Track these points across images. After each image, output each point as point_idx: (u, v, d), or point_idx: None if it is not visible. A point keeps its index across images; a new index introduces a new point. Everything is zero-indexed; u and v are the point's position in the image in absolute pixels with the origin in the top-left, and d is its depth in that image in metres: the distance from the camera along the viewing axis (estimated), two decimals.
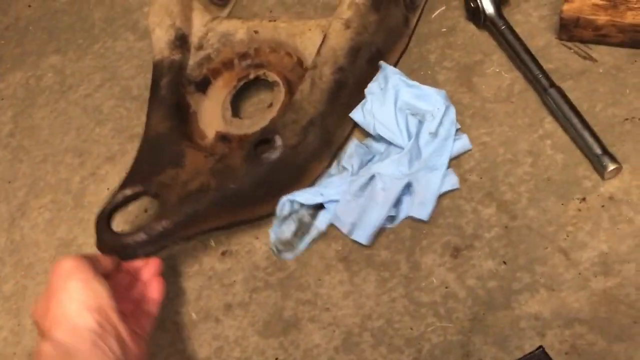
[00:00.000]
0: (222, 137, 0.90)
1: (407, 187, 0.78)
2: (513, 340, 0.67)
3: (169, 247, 0.78)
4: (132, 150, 1.00)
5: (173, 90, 0.90)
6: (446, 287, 0.73)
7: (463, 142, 0.80)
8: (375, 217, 0.76)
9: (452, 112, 0.81)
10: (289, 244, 0.80)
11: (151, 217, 0.77)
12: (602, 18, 0.79)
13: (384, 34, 0.88)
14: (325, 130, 0.82)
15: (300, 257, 0.81)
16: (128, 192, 0.80)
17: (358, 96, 0.84)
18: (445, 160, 0.79)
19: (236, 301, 0.80)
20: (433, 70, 0.90)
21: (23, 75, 1.21)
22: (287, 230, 0.81)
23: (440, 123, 0.80)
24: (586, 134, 0.74)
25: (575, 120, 0.76)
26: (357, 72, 0.84)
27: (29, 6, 1.35)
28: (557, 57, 0.84)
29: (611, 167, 0.71)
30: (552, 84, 0.79)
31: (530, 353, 0.63)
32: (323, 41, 0.84)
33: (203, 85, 0.95)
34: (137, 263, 0.75)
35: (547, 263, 0.71)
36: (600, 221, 0.71)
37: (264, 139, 0.79)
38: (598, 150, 0.73)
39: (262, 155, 0.77)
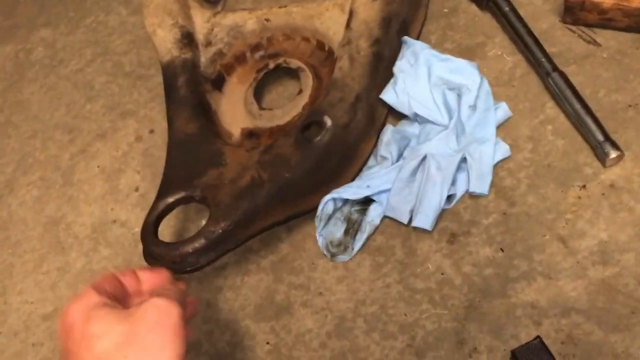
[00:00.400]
0: (250, 134, 0.86)
1: (460, 164, 0.75)
2: (509, 328, 0.66)
3: (230, 251, 0.73)
4: (123, 128, 0.98)
5: (193, 90, 0.85)
6: (442, 274, 0.72)
7: (504, 111, 0.78)
8: (436, 199, 0.73)
9: (486, 83, 0.79)
10: (341, 245, 0.76)
11: (206, 221, 0.71)
12: (608, 1, 0.77)
13: (408, 4, 0.85)
14: (371, 106, 0.80)
15: (294, 241, 0.79)
16: (170, 199, 0.75)
17: (391, 70, 0.82)
18: (492, 130, 0.76)
19: (227, 284, 0.79)
20: None
21: (12, 48, 1.18)
22: (337, 230, 0.77)
23: (477, 95, 0.77)
24: (588, 120, 0.73)
25: (578, 106, 0.74)
26: (391, 43, 0.82)
27: None
28: (560, 40, 0.82)
29: (613, 154, 0.70)
30: (555, 68, 0.77)
31: (527, 343, 0.62)
32: (351, 16, 0.81)
33: (218, 83, 0.91)
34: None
35: (545, 251, 0.69)
36: (600, 209, 0.70)
37: (310, 123, 0.75)
38: (600, 137, 0.71)
39: (314, 139, 0.74)
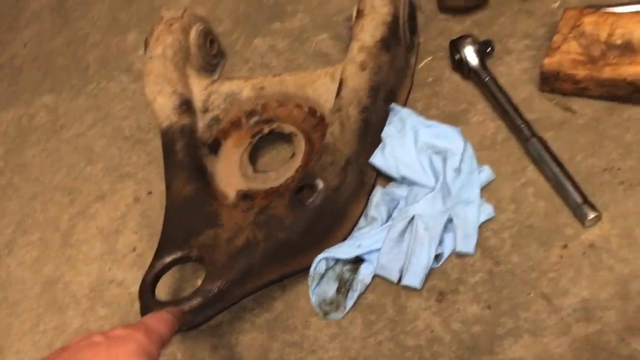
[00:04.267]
0: (244, 195, 0.89)
1: (447, 224, 0.78)
2: None
3: (226, 309, 0.76)
4: (122, 190, 1.01)
5: (190, 154, 0.90)
6: (431, 331, 0.74)
7: (487, 173, 0.82)
8: (424, 259, 0.76)
9: (470, 147, 0.83)
10: (334, 303, 0.79)
11: (203, 280, 0.74)
12: (581, 72, 0.82)
13: (394, 74, 0.91)
14: (360, 169, 0.84)
15: (288, 299, 0.81)
16: (167, 259, 0.78)
17: (380, 135, 0.87)
18: (476, 192, 0.80)
19: (222, 342, 0.80)
20: None
21: (16, 113, 1.23)
22: (329, 289, 0.79)
23: (462, 159, 0.82)
24: (567, 183, 0.77)
25: (557, 170, 0.78)
26: (378, 110, 0.87)
27: (25, 46, 1.38)
28: (538, 107, 0.87)
29: (591, 215, 0.74)
30: (534, 134, 0.82)
31: None
32: (341, 84, 0.86)
33: (215, 147, 0.96)
34: None
35: (530, 309, 0.72)
36: (581, 268, 0.73)
37: (303, 185, 0.79)
38: (578, 199, 0.75)
39: (307, 202, 0.77)
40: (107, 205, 1.00)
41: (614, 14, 0.87)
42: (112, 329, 0.53)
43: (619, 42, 0.83)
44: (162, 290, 0.86)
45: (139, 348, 0.52)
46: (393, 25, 0.90)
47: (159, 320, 0.59)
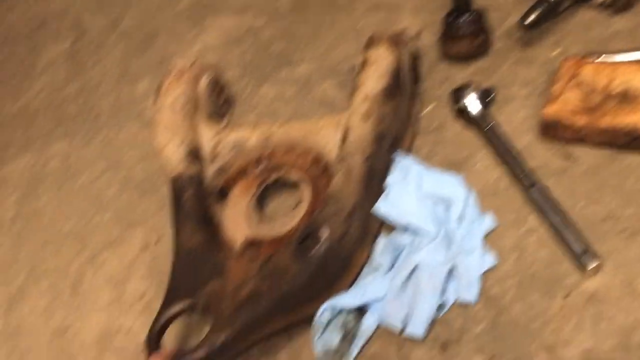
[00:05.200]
0: (251, 243, 0.90)
1: (449, 273, 0.79)
2: None
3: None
4: (131, 238, 1.03)
5: (198, 203, 0.91)
6: None
7: (489, 221, 0.83)
8: (427, 307, 0.77)
9: (472, 196, 0.84)
10: (338, 353, 0.79)
11: (208, 331, 0.75)
12: (580, 121, 0.84)
13: (398, 122, 0.92)
14: (365, 218, 0.85)
15: (293, 348, 0.82)
16: (174, 309, 0.80)
17: (384, 183, 0.88)
18: (478, 241, 0.81)
19: None
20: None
21: (28, 160, 1.26)
22: (334, 338, 0.80)
23: (464, 208, 0.83)
24: (568, 232, 0.77)
25: (558, 218, 0.79)
26: (383, 158, 0.89)
27: (39, 94, 1.41)
28: (540, 155, 0.88)
29: (592, 265, 0.74)
30: (535, 183, 0.83)
31: None
32: (346, 134, 0.88)
33: (222, 195, 0.97)
34: None
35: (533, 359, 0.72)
36: (583, 318, 0.73)
37: (308, 234, 0.80)
38: (579, 248, 0.76)
39: (311, 252, 0.78)
40: (117, 253, 1.02)
41: (612, 63, 0.89)
42: None
43: (617, 91, 0.85)
44: (169, 337, 0.87)
45: None
46: (396, 75, 0.91)
47: None
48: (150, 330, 0.78)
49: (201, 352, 0.74)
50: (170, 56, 1.35)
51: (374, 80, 0.91)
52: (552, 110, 0.86)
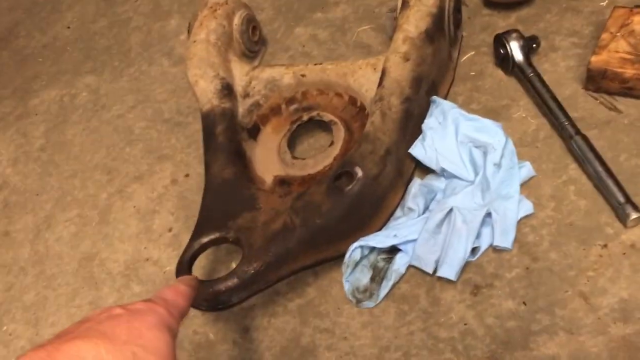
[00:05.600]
0: (281, 181, 0.90)
1: (484, 218, 0.78)
2: None
3: (261, 291, 0.76)
4: (160, 171, 1.03)
5: (230, 137, 0.90)
6: (465, 324, 0.73)
7: (527, 169, 0.81)
8: (461, 251, 0.76)
9: (510, 142, 0.83)
10: (367, 292, 0.79)
11: (239, 261, 0.74)
12: (629, 71, 0.81)
13: (437, 66, 0.91)
14: (399, 160, 0.84)
15: (321, 285, 0.82)
16: (204, 239, 0.79)
17: (420, 127, 0.86)
18: (516, 188, 0.80)
19: (254, 324, 0.81)
20: None
21: (58, 92, 1.25)
22: (363, 277, 0.79)
23: (502, 154, 0.81)
24: (610, 182, 0.76)
25: (600, 169, 0.77)
26: (420, 102, 0.87)
27: (68, 27, 1.40)
28: (583, 106, 0.86)
29: (634, 215, 0.73)
30: (578, 132, 0.81)
31: None
32: (384, 74, 0.86)
33: (254, 132, 0.96)
34: None
35: (567, 306, 0.71)
36: (621, 268, 0.72)
37: (342, 173, 0.79)
38: (621, 199, 0.74)
39: (346, 188, 0.78)
40: (145, 186, 1.02)
41: None
42: (131, 303, 0.53)
43: None
44: (196, 272, 0.87)
45: (160, 321, 0.51)
46: (438, 18, 0.89)
47: (177, 294, 0.58)
48: (181, 259, 0.78)
49: (231, 282, 0.73)
50: None
51: (415, 22, 0.88)
52: (600, 59, 0.83)
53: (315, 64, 0.98)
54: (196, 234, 0.80)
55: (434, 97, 0.88)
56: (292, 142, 0.96)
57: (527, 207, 0.79)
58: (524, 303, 0.73)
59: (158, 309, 0.53)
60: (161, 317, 0.52)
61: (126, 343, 0.47)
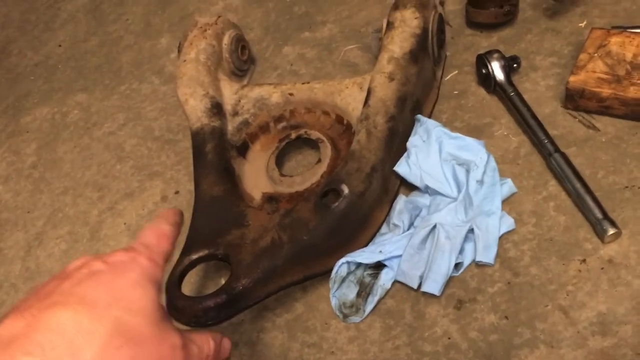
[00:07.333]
0: (270, 198, 0.92)
1: (467, 234, 0.80)
2: None
3: (249, 307, 0.77)
4: (150, 188, 1.04)
5: (220, 155, 0.92)
6: (449, 338, 0.75)
7: (509, 186, 0.84)
8: (444, 267, 0.78)
9: (492, 160, 0.85)
10: (354, 307, 0.80)
11: (228, 278, 0.76)
12: (606, 91, 0.84)
13: (421, 85, 0.93)
14: (385, 177, 0.86)
15: (308, 301, 0.83)
16: (194, 256, 0.80)
17: (405, 145, 0.89)
18: (498, 204, 0.82)
19: (243, 340, 0.82)
20: None
21: (49, 110, 1.27)
22: (350, 292, 0.81)
23: (484, 171, 0.83)
24: (588, 199, 0.78)
25: (578, 185, 0.79)
26: (405, 120, 0.89)
27: (60, 46, 1.42)
28: (562, 124, 0.89)
29: (611, 231, 0.75)
30: (557, 149, 0.83)
31: None
32: (369, 94, 0.88)
33: (243, 150, 0.98)
34: None
35: (547, 320, 0.73)
36: (599, 282, 0.74)
37: (328, 190, 0.81)
38: (599, 215, 0.76)
39: (332, 205, 0.79)
40: (135, 203, 1.03)
41: None
42: (112, 253, 0.50)
43: None
44: (185, 288, 0.88)
45: (143, 275, 0.48)
46: (422, 39, 0.92)
47: (159, 236, 0.55)
48: (171, 276, 0.79)
49: (220, 299, 0.75)
50: (191, 14, 1.35)
51: (399, 42, 0.91)
52: (578, 78, 0.86)
53: (303, 83, 1.00)
54: (186, 250, 0.82)
55: (419, 116, 0.91)
56: (280, 159, 0.98)
57: (508, 223, 0.81)
58: (506, 317, 0.75)
59: (141, 260, 0.50)
60: (144, 270, 0.49)
61: (108, 307, 0.45)
